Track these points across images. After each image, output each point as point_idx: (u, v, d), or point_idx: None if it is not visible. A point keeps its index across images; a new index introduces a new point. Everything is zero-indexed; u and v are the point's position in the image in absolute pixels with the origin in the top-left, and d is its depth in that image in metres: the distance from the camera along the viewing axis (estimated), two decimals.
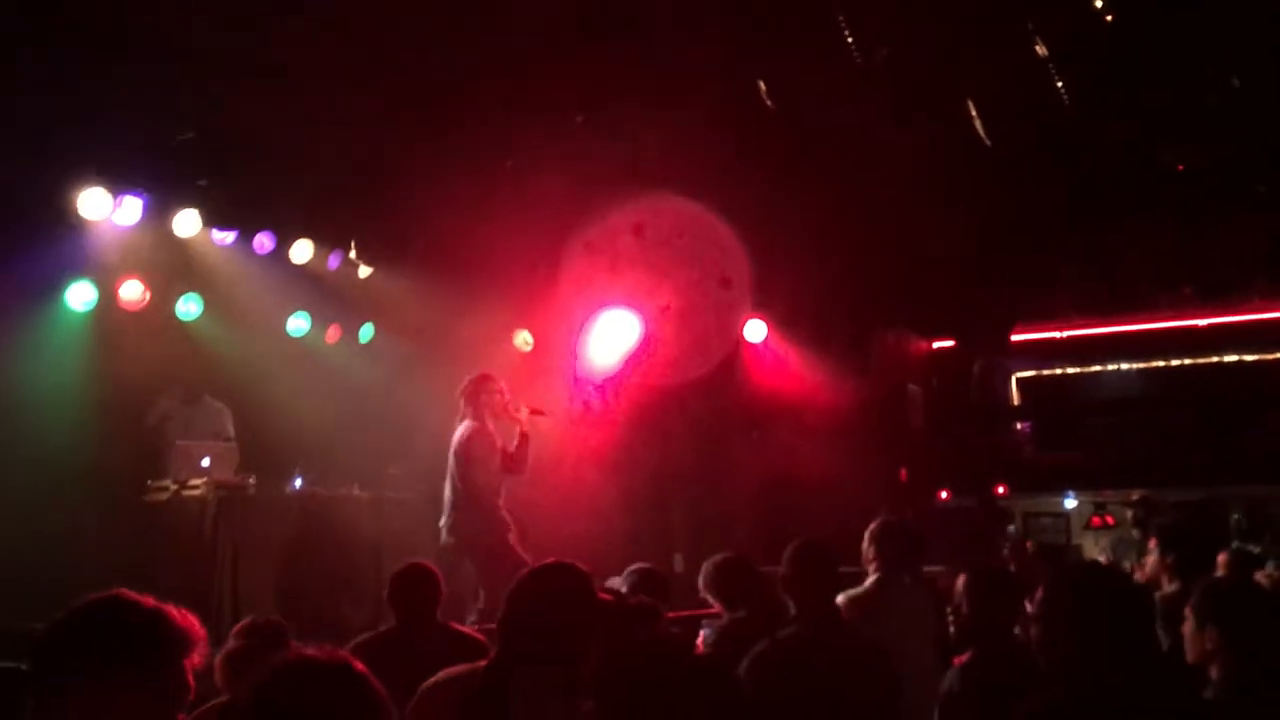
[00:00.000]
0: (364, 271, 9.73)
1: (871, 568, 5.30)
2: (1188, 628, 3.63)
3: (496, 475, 7.72)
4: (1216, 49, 6.94)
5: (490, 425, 7.72)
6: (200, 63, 6.85)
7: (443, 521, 7.70)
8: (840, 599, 5.13)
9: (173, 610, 2.36)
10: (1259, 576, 6.18)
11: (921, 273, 10.56)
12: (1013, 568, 7.63)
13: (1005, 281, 11.50)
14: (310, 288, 9.55)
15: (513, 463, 7.84)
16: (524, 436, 7.84)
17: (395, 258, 9.62)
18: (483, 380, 7.79)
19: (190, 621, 2.38)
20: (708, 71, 6.48)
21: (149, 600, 2.34)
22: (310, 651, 2.24)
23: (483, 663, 3.20)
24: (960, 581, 4.47)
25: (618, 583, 5.33)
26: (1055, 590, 3.44)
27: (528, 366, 10.65)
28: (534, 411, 7.96)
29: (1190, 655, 3.59)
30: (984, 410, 14.39)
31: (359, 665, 2.19)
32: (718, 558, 5.45)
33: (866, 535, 5.38)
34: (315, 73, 7.18)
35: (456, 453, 7.65)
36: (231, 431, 8.74)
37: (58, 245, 8.06)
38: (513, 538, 7.69)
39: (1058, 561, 6.98)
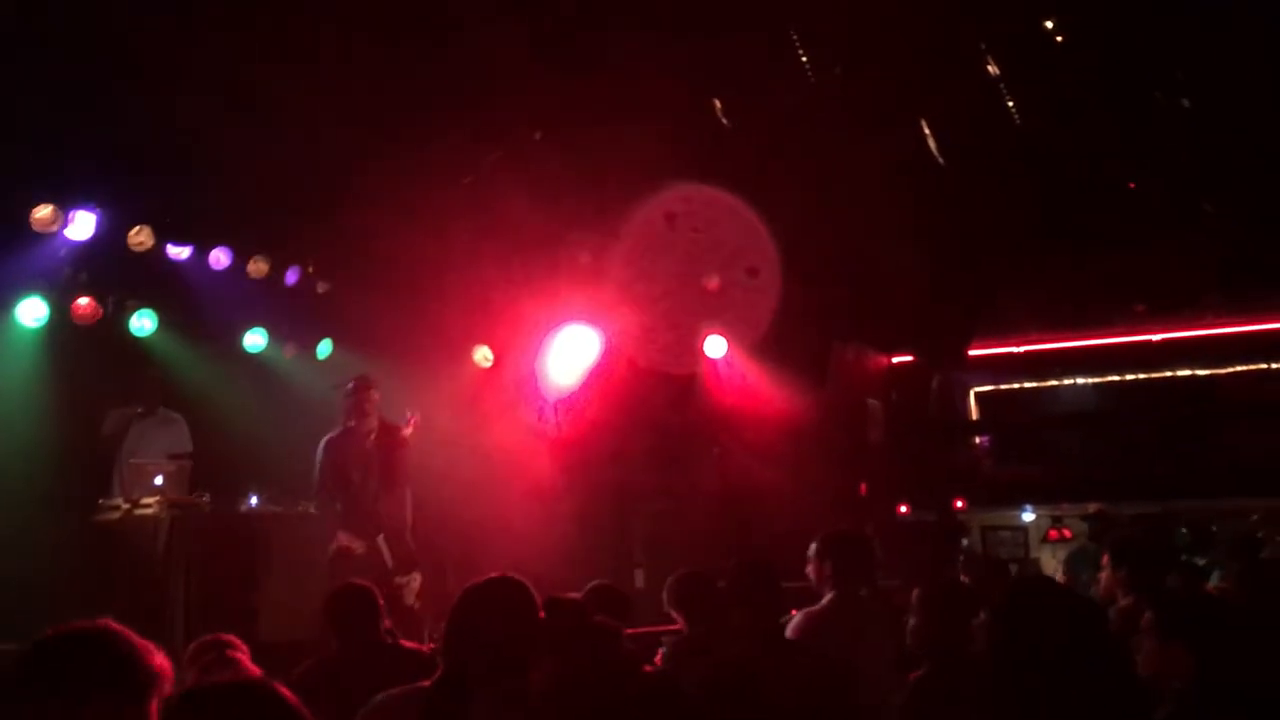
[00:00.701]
0: (321, 287, 9.67)
1: (827, 584, 5.29)
2: (1147, 642, 3.66)
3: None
4: (1167, 70, 7.07)
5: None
6: (156, 77, 6.78)
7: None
8: (798, 617, 5.14)
9: (151, 646, 2.36)
10: (1208, 588, 6.27)
11: (880, 288, 10.63)
12: (966, 581, 7.69)
13: (963, 297, 11.62)
14: (267, 303, 9.48)
15: None
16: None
17: (354, 273, 9.57)
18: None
19: (165, 661, 2.37)
20: (663, 89, 6.50)
21: (130, 633, 2.33)
22: (224, 678, 2.26)
23: (425, 681, 3.18)
24: (914, 596, 4.50)
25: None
26: (1004, 606, 3.48)
27: (488, 382, 10.63)
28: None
29: (1145, 669, 3.63)
30: (943, 424, 14.52)
31: (278, 689, 2.18)
32: (680, 572, 5.44)
33: (815, 548, 5.38)
34: (273, 88, 7.13)
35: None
36: (189, 444, 8.63)
37: (9, 260, 7.96)
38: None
39: (1007, 576, 7.02)
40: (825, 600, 5.21)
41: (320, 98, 7.18)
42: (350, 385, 8.10)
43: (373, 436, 7.97)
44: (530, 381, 10.63)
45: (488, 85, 6.68)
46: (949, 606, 4.56)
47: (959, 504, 13.98)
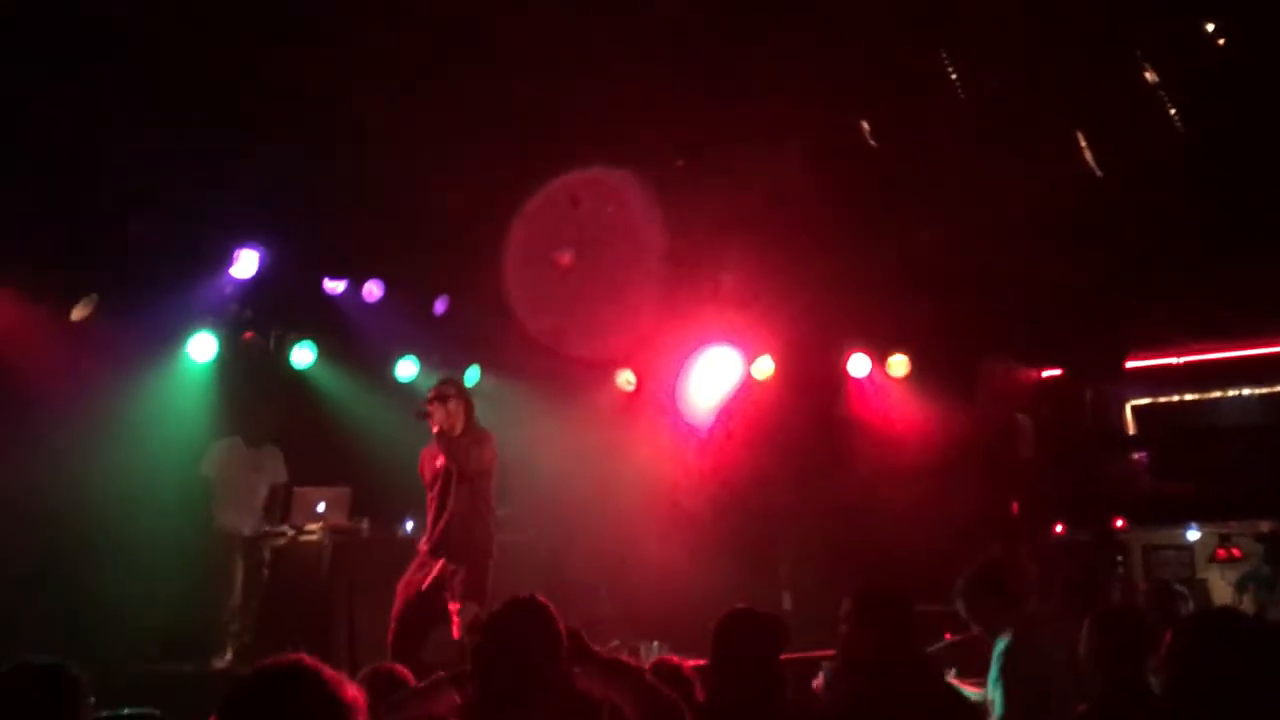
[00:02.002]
0: (469, 316, 9.92)
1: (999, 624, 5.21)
2: None
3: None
4: None
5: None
6: (311, 121, 7.08)
7: None
8: (994, 664, 5.05)
9: (343, 678, 2.43)
10: None
11: (1029, 301, 10.34)
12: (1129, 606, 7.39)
13: (1118, 307, 11.20)
14: (418, 333, 9.78)
15: None
16: None
17: (500, 301, 9.79)
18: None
19: (359, 693, 2.43)
20: (808, 112, 6.48)
21: (325, 667, 2.40)
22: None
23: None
24: (1085, 625, 4.37)
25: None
26: (1184, 637, 3.34)
27: (630, 406, 10.74)
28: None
29: None
30: (1098, 440, 13.97)
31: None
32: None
33: (973, 585, 5.29)
34: (419, 125, 7.36)
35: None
36: (285, 475, 8.71)
37: (179, 298, 8.42)
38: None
39: (1170, 604, 6.67)
40: (1009, 634, 5.11)
41: (464, 131, 7.38)
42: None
43: (442, 446, 7.09)
44: (673, 404, 10.69)
45: (630, 115, 6.76)
46: (1120, 635, 4.41)
47: (1118, 523, 13.42)
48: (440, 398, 7.05)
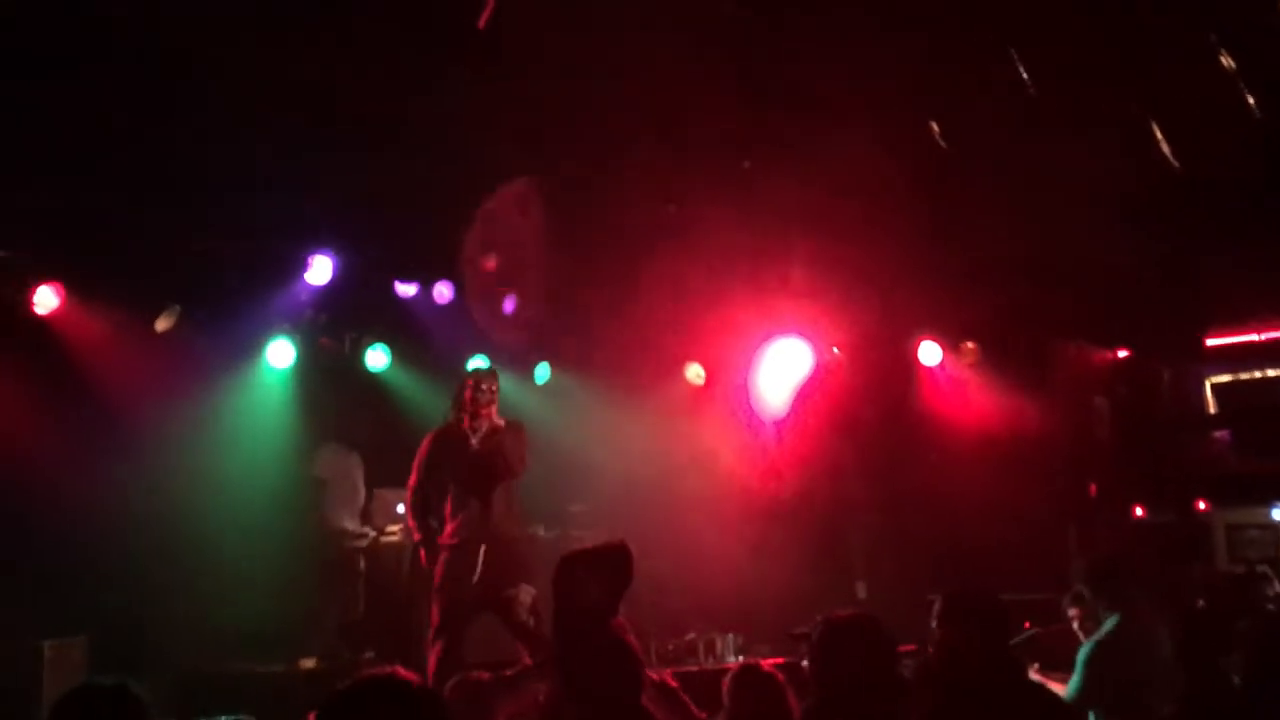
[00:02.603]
0: (538, 314, 10.00)
1: (1101, 606, 5.22)
2: None
3: None
4: None
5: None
6: (381, 134, 7.20)
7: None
8: (1087, 646, 5.04)
9: (437, 696, 2.52)
10: None
11: (1102, 283, 10.17)
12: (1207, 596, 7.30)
13: (1195, 285, 10.97)
14: (487, 333, 9.88)
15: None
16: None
17: (568, 299, 9.86)
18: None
19: (444, 703, 2.50)
20: (876, 111, 6.44)
21: (421, 685, 2.43)
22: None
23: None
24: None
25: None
26: (1258, 633, 3.28)
27: (701, 399, 10.76)
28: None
29: None
30: (1177, 420, 13.69)
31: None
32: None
33: (1082, 576, 5.31)
34: (484, 131, 7.44)
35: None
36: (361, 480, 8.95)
37: (257, 306, 8.62)
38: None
39: (1255, 589, 6.58)
40: (1109, 625, 5.12)
41: (530, 132, 7.44)
42: (464, 378, 7.26)
43: (480, 436, 6.97)
44: (743, 397, 10.69)
45: (697, 115, 6.77)
46: (1200, 633, 4.37)
47: (1200, 504, 13.15)
48: (483, 382, 7.02)
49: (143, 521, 8.02)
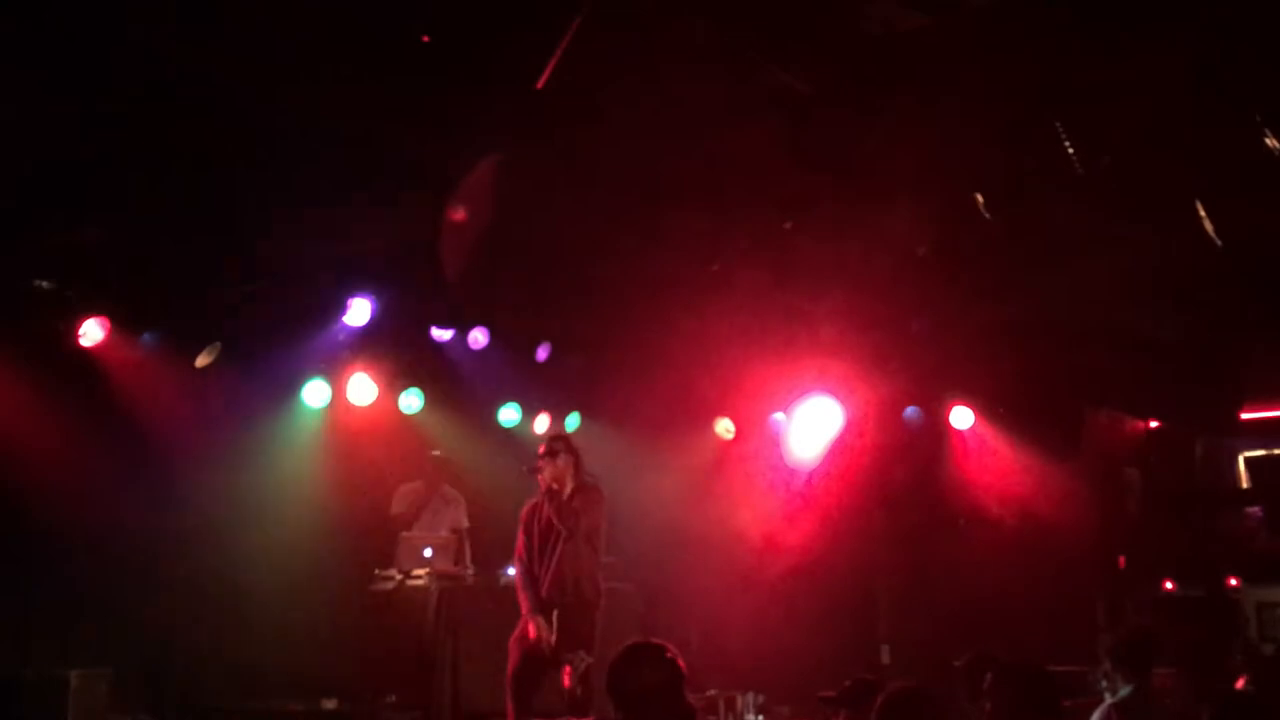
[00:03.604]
0: (571, 363, 10.06)
1: (1120, 678, 5.24)
2: None
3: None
4: None
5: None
6: (420, 180, 7.31)
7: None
8: (1103, 710, 5.05)
9: None
10: None
11: (1138, 352, 10.14)
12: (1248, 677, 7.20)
13: (1230, 358, 10.91)
14: (520, 380, 9.96)
15: None
16: None
17: (601, 349, 9.93)
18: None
19: None
20: (920, 181, 6.50)
21: None
22: None
23: None
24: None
25: None
26: None
27: (729, 454, 10.76)
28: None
29: None
30: (1209, 494, 13.54)
31: None
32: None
33: (1113, 648, 5.33)
34: (523, 181, 7.54)
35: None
36: (465, 521, 9.10)
37: (297, 347, 8.72)
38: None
39: None
40: (1125, 691, 5.14)
41: (574, 191, 7.54)
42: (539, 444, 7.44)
43: (552, 503, 7.12)
44: (772, 454, 10.69)
45: (738, 176, 6.85)
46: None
47: (1231, 580, 12.97)
48: (550, 454, 7.13)
49: (173, 555, 8.09)
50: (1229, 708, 4.32)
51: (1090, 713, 6.35)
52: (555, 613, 6.97)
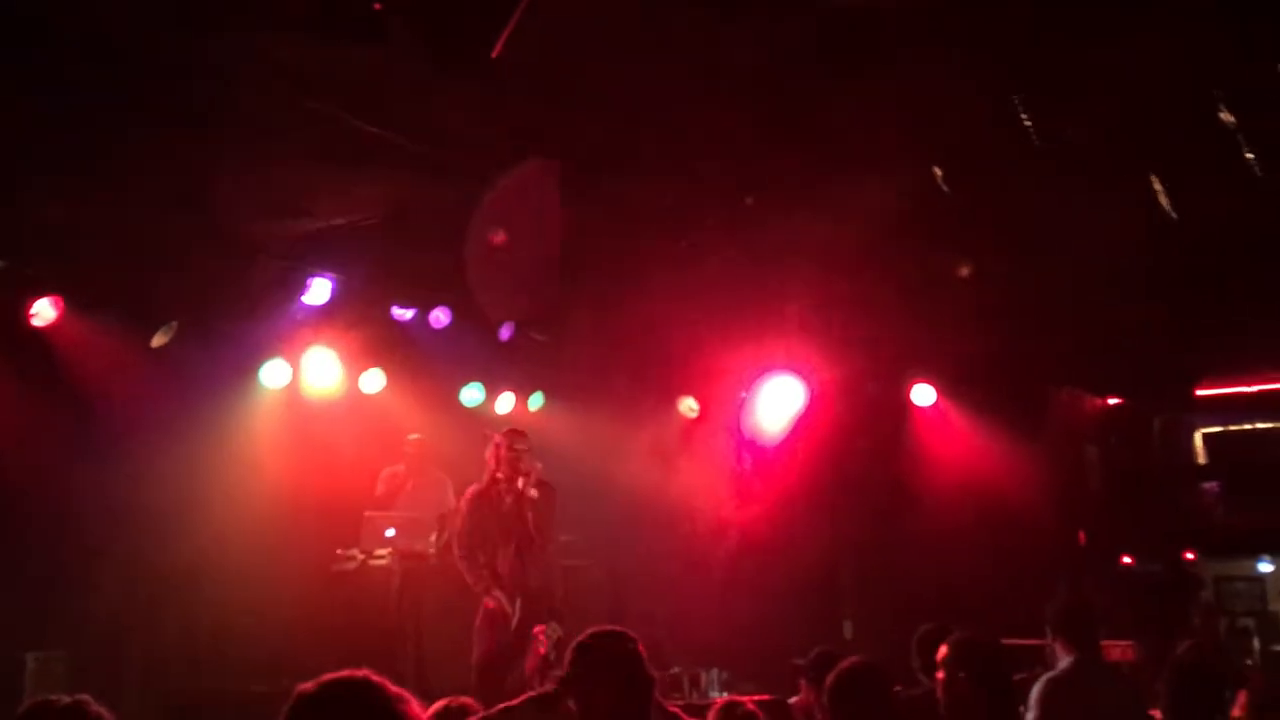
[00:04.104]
0: (535, 340, 10.00)
1: (1059, 648, 5.19)
2: None
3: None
4: None
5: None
6: (381, 159, 7.22)
7: None
8: (1040, 683, 5.02)
9: (406, 695, 2.42)
10: None
11: (1097, 332, 10.23)
12: (1203, 641, 7.31)
13: (1188, 336, 11.03)
14: (483, 359, 9.89)
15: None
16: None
17: (564, 328, 9.88)
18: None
19: (420, 712, 2.43)
20: (881, 156, 6.50)
21: (388, 683, 2.40)
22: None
23: None
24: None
25: None
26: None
27: (694, 433, 10.77)
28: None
29: None
30: (1167, 470, 13.73)
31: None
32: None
33: (1050, 617, 5.28)
34: (488, 159, 7.47)
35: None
36: (451, 502, 8.98)
37: (255, 326, 8.61)
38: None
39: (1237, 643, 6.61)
40: (1064, 664, 5.10)
41: (536, 169, 7.47)
42: (497, 438, 7.62)
43: (516, 494, 7.42)
44: (736, 432, 10.70)
45: (700, 152, 6.81)
46: (1192, 690, 4.38)
47: (1188, 555, 13.17)
48: (528, 449, 7.44)
49: (132, 536, 7.98)
50: (1183, 675, 4.35)
51: None
52: (519, 602, 7.21)
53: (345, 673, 2.40)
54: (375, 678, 2.39)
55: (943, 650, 4.10)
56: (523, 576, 7.29)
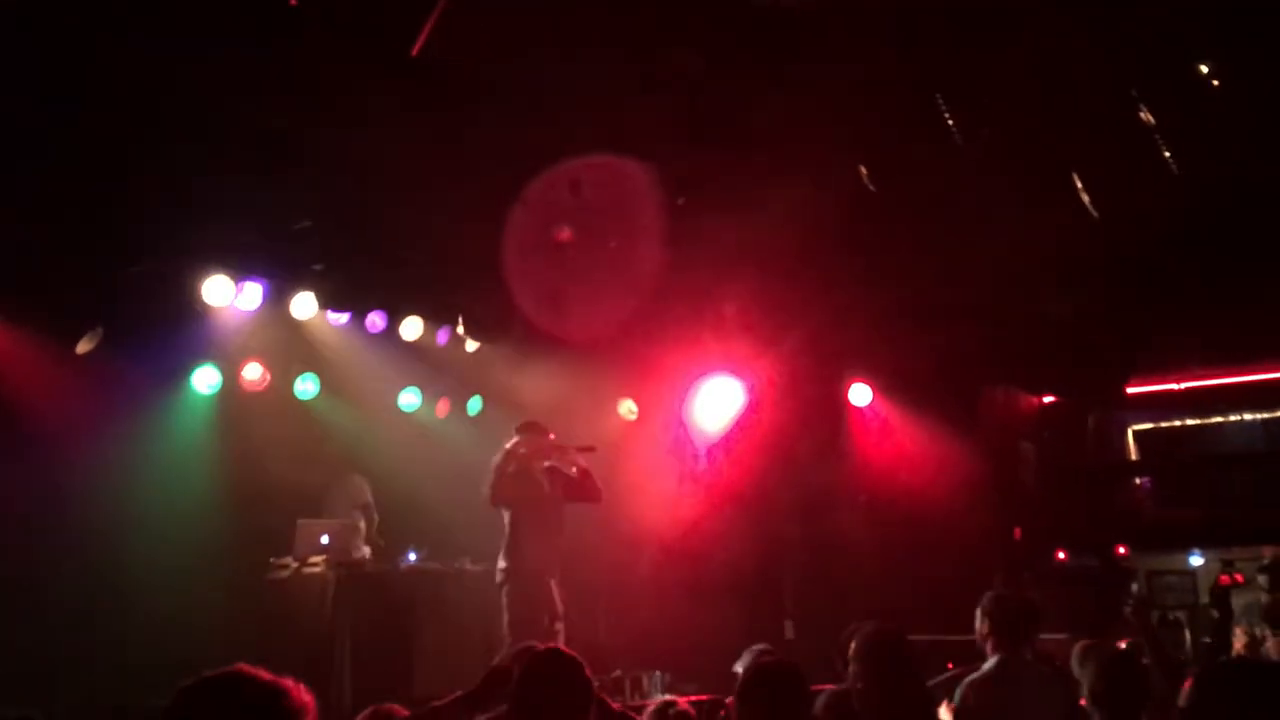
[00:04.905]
0: (471, 346, 9.95)
1: (989, 645, 5.20)
2: None
3: None
4: None
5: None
6: (315, 161, 7.15)
7: None
8: (962, 686, 5.04)
9: (290, 685, 2.42)
10: None
11: (1030, 330, 10.39)
12: (1133, 635, 7.39)
13: (1119, 334, 11.24)
14: (420, 364, 9.82)
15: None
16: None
17: (502, 332, 9.82)
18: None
19: (306, 697, 2.42)
20: (808, 155, 6.54)
21: (266, 675, 2.39)
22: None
23: None
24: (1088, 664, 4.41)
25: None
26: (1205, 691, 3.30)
27: (632, 435, 10.75)
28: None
29: None
30: (1100, 466, 13.97)
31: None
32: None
33: (979, 612, 5.29)
34: (420, 162, 7.42)
35: None
36: (368, 495, 9.07)
37: (184, 331, 8.46)
38: None
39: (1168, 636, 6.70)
40: (988, 664, 5.10)
41: (467, 169, 7.43)
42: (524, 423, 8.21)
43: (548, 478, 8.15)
44: (675, 434, 10.71)
45: (632, 153, 6.82)
46: (1121, 680, 4.44)
47: (1121, 550, 13.40)
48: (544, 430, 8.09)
49: (58, 549, 7.79)
50: (1111, 667, 4.42)
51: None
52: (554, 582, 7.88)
53: (222, 669, 2.41)
54: (247, 669, 2.41)
55: (850, 646, 4.19)
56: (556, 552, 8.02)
